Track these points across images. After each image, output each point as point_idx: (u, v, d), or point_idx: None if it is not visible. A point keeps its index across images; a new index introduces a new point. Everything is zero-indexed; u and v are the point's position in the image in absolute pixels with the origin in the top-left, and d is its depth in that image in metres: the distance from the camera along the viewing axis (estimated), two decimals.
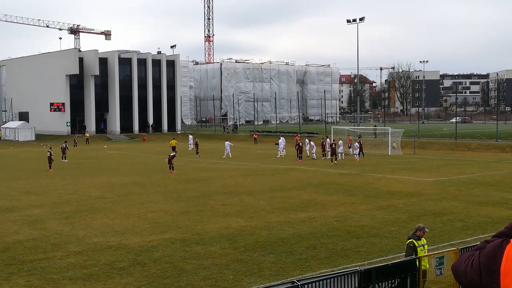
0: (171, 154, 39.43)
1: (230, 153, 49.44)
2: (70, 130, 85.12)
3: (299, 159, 45.57)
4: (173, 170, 37.86)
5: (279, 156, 49.26)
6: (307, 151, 47.90)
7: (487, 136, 62.03)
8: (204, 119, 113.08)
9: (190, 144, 60.54)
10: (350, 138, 53.06)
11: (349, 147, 50.20)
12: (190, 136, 63.83)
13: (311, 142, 48.36)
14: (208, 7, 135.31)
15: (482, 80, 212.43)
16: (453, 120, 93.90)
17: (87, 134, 76.65)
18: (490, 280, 1.65)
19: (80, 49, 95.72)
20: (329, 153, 44.54)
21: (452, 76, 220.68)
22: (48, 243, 17.72)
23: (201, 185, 31.33)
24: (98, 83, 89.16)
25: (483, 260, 1.69)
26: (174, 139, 53.32)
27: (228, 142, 50.81)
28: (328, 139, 48.91)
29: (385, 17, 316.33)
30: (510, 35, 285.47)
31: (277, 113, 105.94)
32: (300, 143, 47.17)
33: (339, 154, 45.72)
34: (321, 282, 10.43)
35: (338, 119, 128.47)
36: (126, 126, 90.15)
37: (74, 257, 16.00)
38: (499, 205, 23.88)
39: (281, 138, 51.86)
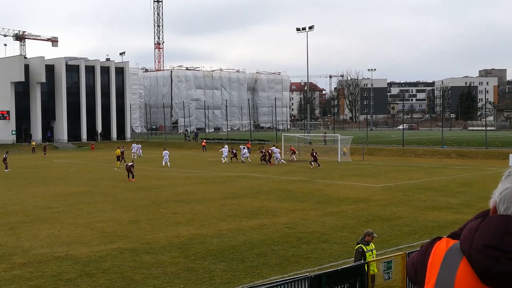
0: (129, 164, 38.80)
1: (168, 163, 48.34)
2: (15, 138, 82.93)
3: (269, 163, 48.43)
4: (132, 178, 37.36)
5: (223, 162, 51.17)
6: (242, 157, 51.84)
7: (433, 142, 63.64)
8: (154, 127, 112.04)
9: (134, 153, 59.61)
10: (291, 147, 54.83)
11: (293, 154, 53.02)
12: (133, 144, 63.42)
13: (246, 148, 53.30)
14: (158, 14, 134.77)
15: (428, 88, 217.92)
16: (400, 127, 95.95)
17: (33, 143, 74.53)
18: (421, 275, 1.74)
19: (26, 56, 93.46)
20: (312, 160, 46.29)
21: (399, 84, 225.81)
22: None
23: (151, 193, 30.98)
24: (44, 91, 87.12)
25: (418, 257, 1.79)
26: (118, 148, 52.99)
27: (167, 151, 50.10)
28: (274, 147, 52.13)
29: (334, 26, 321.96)
30: (453, 44, 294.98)
31: (228, 121, 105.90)
32: (268, 151, 49.84)
33: (277, 159, 49.32)
34: None
35: (288, 126, 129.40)
36: (74, 134, 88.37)
37: (19, 269, 15.55)
38: (445, 210, 24.49)
39: (225, 146, 54.58)
